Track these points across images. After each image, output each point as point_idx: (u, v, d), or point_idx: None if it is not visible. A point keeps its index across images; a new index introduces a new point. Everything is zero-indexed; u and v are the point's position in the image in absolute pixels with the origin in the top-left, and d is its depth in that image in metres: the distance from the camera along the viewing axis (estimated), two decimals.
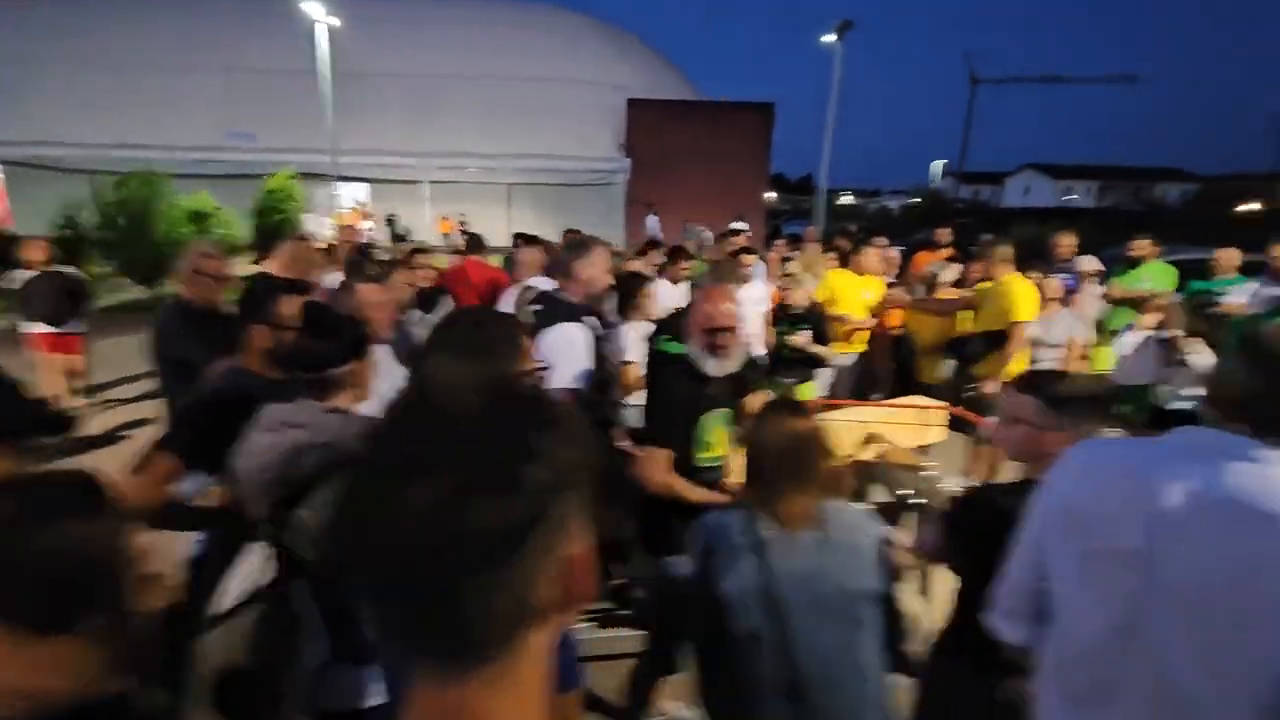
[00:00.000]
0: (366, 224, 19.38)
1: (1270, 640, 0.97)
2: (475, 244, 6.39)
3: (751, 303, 4.25)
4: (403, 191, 21.89)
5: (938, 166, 54.54)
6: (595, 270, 2.38)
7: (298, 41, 17.86)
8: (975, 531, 1.54)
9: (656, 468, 2.02)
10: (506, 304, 3.40)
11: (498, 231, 14.83)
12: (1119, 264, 5.80)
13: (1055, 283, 4.93)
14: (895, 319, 5.13)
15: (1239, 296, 4.82)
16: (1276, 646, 0.97)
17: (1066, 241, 5.97)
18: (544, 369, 2.17)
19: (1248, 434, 1.06)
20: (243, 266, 7.21)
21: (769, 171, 24.49)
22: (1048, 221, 22.79)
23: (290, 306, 1.72)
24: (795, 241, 7.79)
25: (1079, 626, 1.19)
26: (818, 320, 4.11)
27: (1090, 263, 5.68)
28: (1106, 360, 5.01)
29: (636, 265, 4.99)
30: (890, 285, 5.33)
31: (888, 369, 5.26)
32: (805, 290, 4.30)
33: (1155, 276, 5.36)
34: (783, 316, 4.10)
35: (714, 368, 2.09)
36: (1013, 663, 1.42)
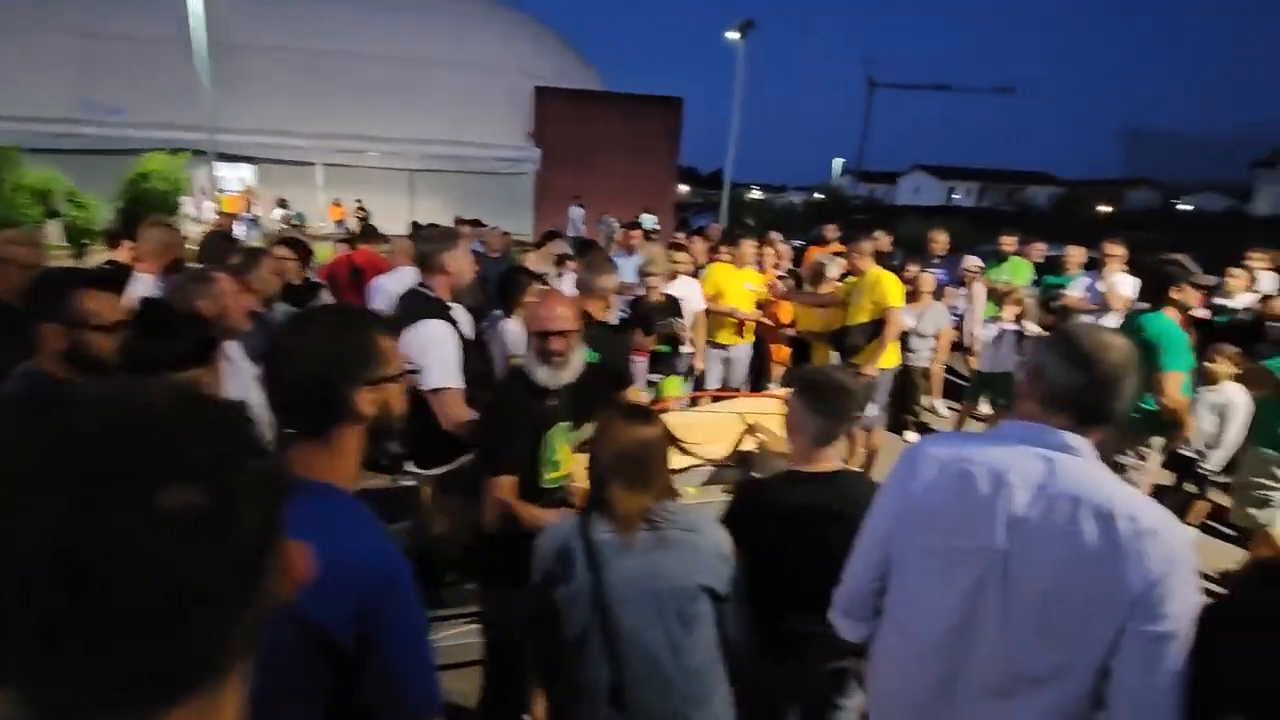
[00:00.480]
0: (279, 211, 18.02)
1: (1103, 624, 1.06)
2: (368, 233, 6.06)
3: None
4: (293, 174, 20.50)
5: (838, 165, 57.23)
6: (462, 262, 2.28)
7: (167, 6, 16.23)
8: (747, 524, 1.60)
9: (500, 494, 1.85)
10: (377, 297, 3.24)
11: (400, 220, 14.16)
12: (990, 259, 6.29)
13: (929, 277, 5.27)
14: (787, 312, 5.30)
15: (1076, 290, 5.34)
16: (1107, 630, 1.06)
17: (940, 239, 6.46)
18: (413, 371, 2.07)
19: (1068, 426, 1.15)
20: (100, 254, 6.48)
21: (678, 165, 24.77)
22: (933, 218, 24.43)
23: (95, 302, 1.52)
24: (698, 235, 7.91)
25: (929, 622, 1.23)
26: (673, 315, 4.07)
27: (972, 261, 6.11)
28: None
29: (532, 258, 4.90)
30: (781, 278, 5.50)
31: (781, 359, 5.45)
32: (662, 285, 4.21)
33: (1014, 271, 5.84)
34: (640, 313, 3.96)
35: (546, 377, 1.89)
36: (812, 652, 1.48)
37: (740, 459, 3.14)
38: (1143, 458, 3.21)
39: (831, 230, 7.64)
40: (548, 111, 21.20)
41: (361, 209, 18.89)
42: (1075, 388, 1.14)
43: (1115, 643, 1.06)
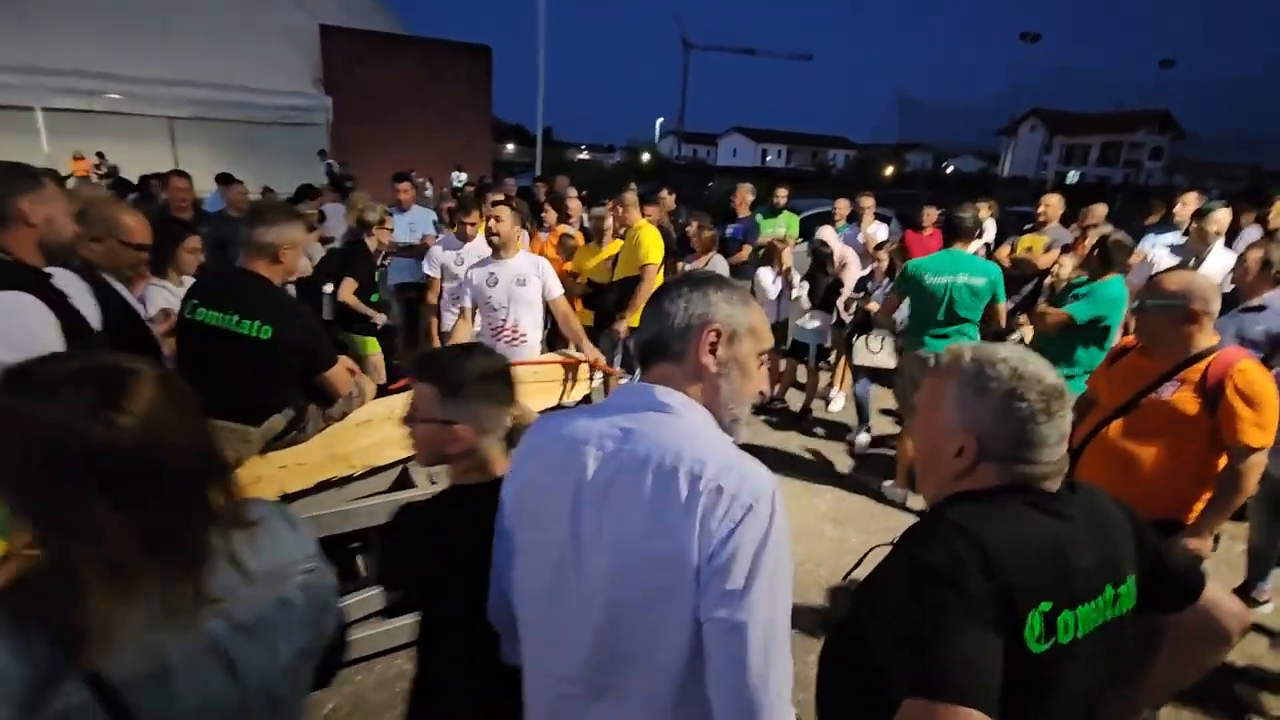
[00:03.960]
0: None
1: (675, 609, 0.88)
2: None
3: None
4: (5, 120, 16.51)
5: (659, 125, 58.30)
6: (53, 208, 1.72)
7: None
8: (400, 554, 1.34)
9: None
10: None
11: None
12: (766, 209, 6.57)
13: (709, 232, 5.32)
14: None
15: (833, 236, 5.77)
16: (681, 614, 0.88)
17: (744, 197, 6.50)
18: None
19: (655, 377, 1.02)
20: None
21: (490, 119, 23.57)
22: (749, 179, 25.72)
23: None
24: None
25: (529, 629, 1.06)
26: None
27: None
28: None
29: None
30: (569, 237, 5.30)
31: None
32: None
33: (788, 224, 6.16)
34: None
35: None
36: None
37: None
38: None
39: (633, 188, 7.59)
40: (338, 55, 18.98)
41: (102, 163, 15.75)
42: (644, 330, 1.06)
43: (696, 633, 0.88)
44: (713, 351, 0.98)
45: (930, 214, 6.66)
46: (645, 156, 45.66)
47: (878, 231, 5.97)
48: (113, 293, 2.21)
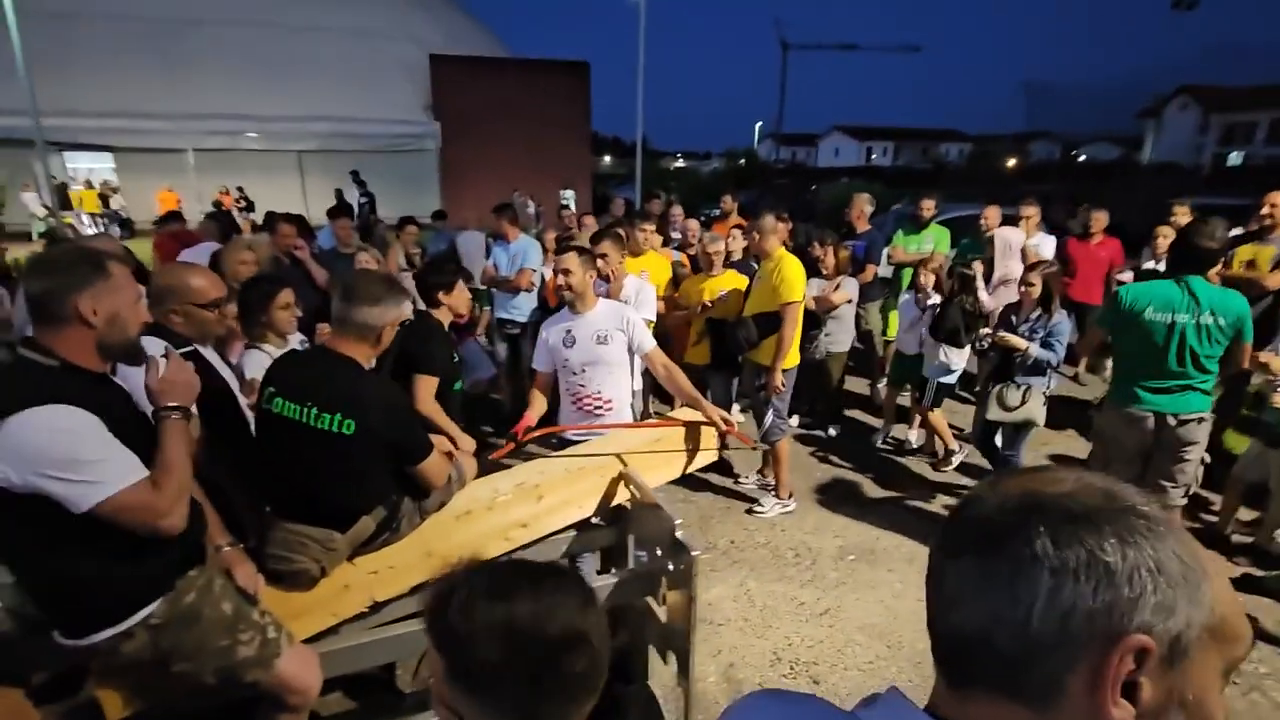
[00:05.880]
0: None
1: None
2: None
3: None
4: (161, 162, 18.41)
5: (758, 128, 56.94)
6: (117, 302, 1.44)
7: None
8: None
9: None
10: None
11: (290, 206, 12.66)
12: (905, 223, 5.67)
13: (839, 253, 4.69)
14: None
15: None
16: None
17: (860, 209, 5.36)
18: None
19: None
20: None
21: (596, 134, 23.74)
22: (854, 180, 24.43)
23: None
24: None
25: None
26: None
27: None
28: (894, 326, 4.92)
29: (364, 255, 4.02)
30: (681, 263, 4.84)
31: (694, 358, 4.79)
32: None
33: (937, 239, 5.31)
34: None
35: None
36: None
37: (614, 515, 2.47)
38: None
39: (728, 202, 6.74)
40: (446, 80, 19.68)
41: (242, 196, 17.24)
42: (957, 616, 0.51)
43: None
44: (1131, 694, 0.46)
45: (1099, 219, 5.64)
46: (741, 162, 44.65)
47: (1041, 246, 5.05)
48: (203, 365, 1.98)
